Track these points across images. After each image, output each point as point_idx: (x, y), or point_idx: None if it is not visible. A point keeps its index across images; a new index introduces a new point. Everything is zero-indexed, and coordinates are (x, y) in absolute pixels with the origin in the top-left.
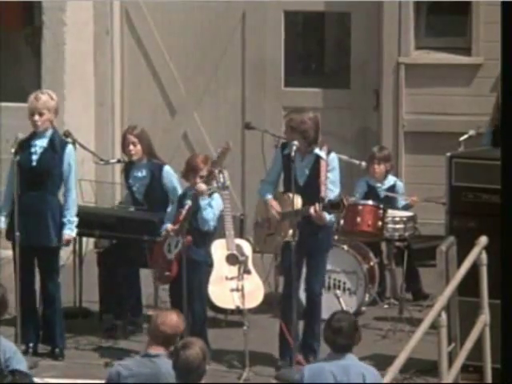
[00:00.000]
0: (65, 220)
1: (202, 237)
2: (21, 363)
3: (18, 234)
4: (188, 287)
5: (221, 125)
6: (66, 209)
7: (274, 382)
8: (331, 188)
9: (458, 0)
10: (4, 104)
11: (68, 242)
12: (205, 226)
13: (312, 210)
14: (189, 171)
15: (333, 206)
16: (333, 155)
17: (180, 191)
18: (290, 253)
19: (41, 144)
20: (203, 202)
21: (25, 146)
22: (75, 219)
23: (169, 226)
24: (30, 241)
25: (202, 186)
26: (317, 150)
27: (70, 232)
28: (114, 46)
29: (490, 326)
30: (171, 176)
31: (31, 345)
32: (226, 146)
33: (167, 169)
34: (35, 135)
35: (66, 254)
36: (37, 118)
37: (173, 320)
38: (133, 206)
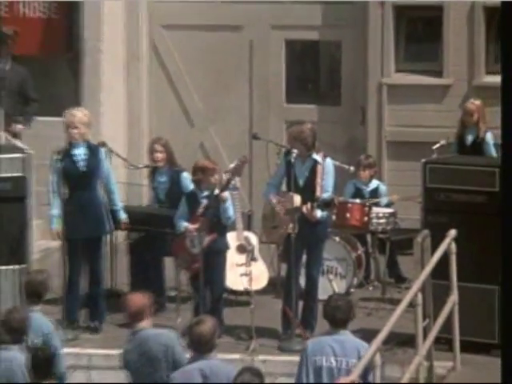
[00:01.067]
0: (117, 208)
1: (223, 229)
2: (57, 339)
3: (65, 227)
4: (213, 273)
5: (232, 136)
6: (115, 199)
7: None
8: (326, 189)
9: (430, 30)
10: (45, 118)
11: (125, 225)
12: (228, 222)
13: (304, 209)
14: (199, 174)
15: (326, 204)
16: (328, 160)
17: None
18: (291, 243)
19: (80, 152)
20: (226, 204)
21: (66, 154)
22: (121, 208)
23: (189, 225)
24: (81, 233)
25: (225, 194)
26: (315, 155)
27: (125, 216)
28: (142, 70)
29: (458, 305)
30: (188, 181)
31: (75, 320)
32: (244, 158)
33: (185, 175)
34: (72, 145)
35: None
36: (73, 131)
37: (138, 299)
38: (157, 204)
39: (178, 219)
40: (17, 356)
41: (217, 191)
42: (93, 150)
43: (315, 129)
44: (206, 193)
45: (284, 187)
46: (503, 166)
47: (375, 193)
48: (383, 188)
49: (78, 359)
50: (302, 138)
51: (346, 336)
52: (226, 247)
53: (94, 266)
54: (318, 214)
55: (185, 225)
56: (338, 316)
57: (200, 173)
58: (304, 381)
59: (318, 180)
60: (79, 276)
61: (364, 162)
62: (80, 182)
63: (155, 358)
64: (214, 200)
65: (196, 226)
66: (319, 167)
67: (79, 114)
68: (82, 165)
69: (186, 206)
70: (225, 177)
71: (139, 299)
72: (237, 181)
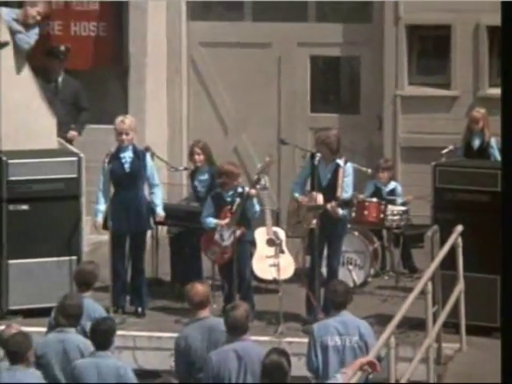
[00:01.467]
0: (157, 204)
1: (249, 223)
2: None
3: (111, 223)
4: (241, 262)
5: (262, 141)
6: (156, 197)
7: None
8: (346, 190)
9: (439, 47)
10: (95, 126)
11: (161, 220)
12: (255, 216)
13: (329, 207)
14: (223, 177)
15: (346, 203)
16: (348, 164)
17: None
18: (314, 237)
19: (127, 155)
20: (253, 201)
21: (114, 157)
22: (162, 204)
23: (219, 221)
24: (126, 228)
25: (253, 191)
26: (338, 160)
27: (162, 212)
28: (182, 82)
29: (464, 293)
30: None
31: (121, 306)
32: (271, 159)
33: None
34: (120, 149)
35: (147, 238)
36: (124, 137)
37: (200, 289)
38: (196, 201)
39: (205, 217)
40: (73, 338)
41: (247, 189)
42: (138, 154)
43: (339, 135)
44: (230, 192)
45: (308, 187)
46: (503, 169)
47: (393, 193)
48: (400, 189)
49: (125, 341)
50: (328, 143)
51: (347, 316)
52: (253, 239)
53: (136, 258)
54: (340, 211)
55: (214, 221)
56: (337, 299)
57: (224, 176)
58: (313, 360)
59: (339, 181)
60: (124, 266)
61: (383, 165)
62: (125, 182)
63: (219, 344)
64: (243, 197)
65: (226, 221)
66: (341, 170)
67: (128, 121)
68: (127, 167)
69: (212, 205)
70: (255, 176)
71: (202, 289)
72: (266, 181)
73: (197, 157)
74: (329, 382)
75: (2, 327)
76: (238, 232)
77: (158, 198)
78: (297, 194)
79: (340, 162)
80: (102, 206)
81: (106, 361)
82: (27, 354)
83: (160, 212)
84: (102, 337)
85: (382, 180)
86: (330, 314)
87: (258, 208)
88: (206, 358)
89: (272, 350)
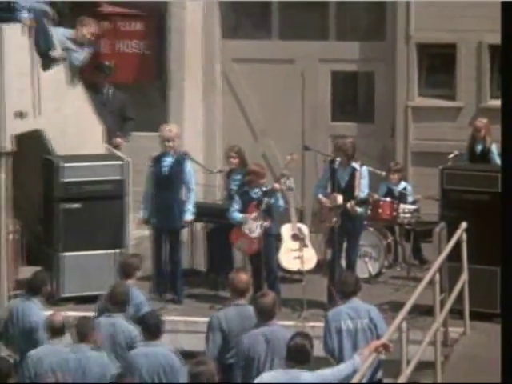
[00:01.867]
0: (187, 209)
1: (274, 218)
2: (147, 308)
3: (152, 220)
4: (268, 255)
5: (288, 147)
6: (188, 202)
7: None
8: (362, 190)
9: (446, 63)
10: (139, 133)
11: (187, 223)
12: (279, 210)
13: (348, 206)
14: (251, 176)
15: (362, 202)
16: (364, 167)
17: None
18: (335, 233)
19: (169, 160)
20: (277, 195)
21: (157, 161)
22: (193, 209)
23: (246, 215)
24: (164, 224)
25: (277, 185)
26: (354, 164)
27: (190, 217)
28: (216, 94)
29: (468, 282)
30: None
31: (161, 294)
32: (292, 156)
33: None
34: (163, 154)
35: (185, 233)
36: (170, 143)
37: (244, 278)
38: (229, 199)
39: (232, 212)
40: (120, 322)
41: (274, 185)
42: (178, 159)
43: (355, 142)
44: (256, 190)
45: (329, 189)
46: (503, 172)
47: (403, 192)
48: (409, 188)
49: (165, 325)
50: (344, 149)
51: (357, 302)
52: (278, 233)
53: (173, 251)
54: (357, 210)
55: (240, 215)
56: (346, 289)
57: (252, 175)
58: (329, 343)
59: (356, 183)
60: (164, 258)
61: (394, 168)
62: (165, 184)
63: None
64: (268, 193)
65: (253, 215)
66: (357, 173)
67: (175, 130)
68: (167, 170)
69: (239, 201)
70: (281, 173)
71: (246, 278)
72: (292, 182)
73: (232, 160)
74: (347, 362)
75: (51, 312)
76: (266, 223)
77: (190, 204)
78: (320, 196)
79: (356, 165)
80: (146, 205)
81: (157, 349)
82: (91, 334)
83: (188, 217)
84: (154, 328)
85: (393, 181)
86: (342, 301)
87: (281, 202)
88: (238, 340)
89: (296, 333)
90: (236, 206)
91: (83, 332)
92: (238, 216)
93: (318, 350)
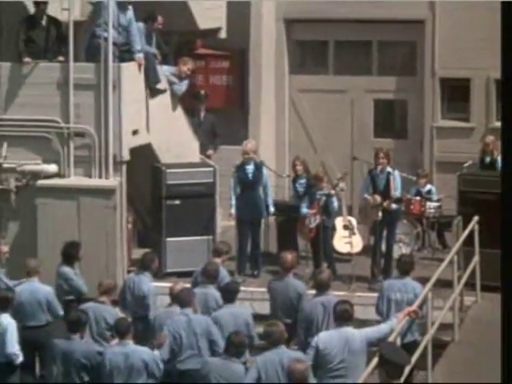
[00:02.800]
0: (269, 204)
1: (329, 214)
2: (227, 278)
3: (237, 212)
4: (325, 241)
5: (340, 158)
6: (269, 199)
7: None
8: (396, 191)
9: (462, 94)
10: (225, 147)
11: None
12: (334, 210)
13: (386, 204)
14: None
15: (397, 200)
16: (396, 172)
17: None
18: (376, 224)
19: (250, 167)
20: (333, 198)
21: (240, 168)
22: (272, 205)
23: (309, 211)
24: (247, 217)
25: (332, 191)
26: (389, 169)
27: (271, 211)
28: (285, 117)
29: (479, 262)
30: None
31: (243, 270)
32: (346, 172)
33: None
34: (244, 163)
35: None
36: (249, 155)
37: (290, 257)
38: (296, 198)
39: (302, 208)
40: (211, 291)
41: (330, 190)
42: (257, 166)
43: (390, 153)
44: (320, 191)
45: (371, 190)
46: (502, 177)
47: (429, 192)
48: (434, 190)
49: (245, 294)
50: (381, 157)
51: (408, 280)
52: (333, 225)
53: (254, 237)
54: (393, 206)
55: (306, 210)
56: (404, 267)
57: (316, 180)
58: (381, 307)
59: (392, 185)
60: (246, 242)
61: (421, 174)
62: (248, 186)
63: (292, 298)
64: (327, 194)
65: (314, 211)
66: (391, 177)
67: (252, 144)
68: (250, 175)
69: (307, 200)
70: (334, 182)
71: (292, 257)
72: (344, 186)
73: (298, 167)
74: (386, 323)
75: (171, 284)
76: (322, 218)
77: (270, 199)
78: (365, 195)
79: (391, 170)
80: (234, 202)
81: (237, 309)
82: (192, 301)
83: (272, 209)
84: (231, 294)
85: (421, 184)
86: (397, 276)
87: (336, 204)
88: (284, 304)
89: (339, 300)
90: (305, 203)
91: (186, 299)
92: (304, 211)
93: (363, 313)
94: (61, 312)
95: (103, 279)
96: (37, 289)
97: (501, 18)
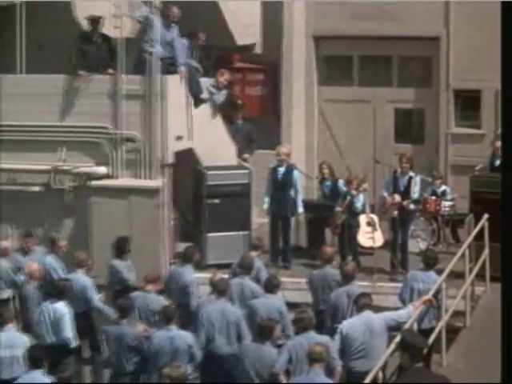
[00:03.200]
0: (298, 204)
1: (353, 213)
2: (264, 272)
3: (270, 209)
4: (350, 237)
5: (364, 161)
6: (298, 199)
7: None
8: (415, 192)
9: (474, 104)
10: (261, 151)
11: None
12: (358, 209)
13: (404, 203)
14: (346, 183)
15: (415, 201)
16: (418, 177)
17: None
18: (396, 221)
19: (282, 169)
20: (356, 198)
21: (273, 170)
22: (302, 204)
23: (338, 209)
24: (279, 214)
25: (354, 192)
26: (411, 173)
27: (301, 209)
28: (314, 124)
29: (488, 255)
30: (343, 186)
31: (275, 262)
32: (366, 175)
33: (341, 182)
34: (278, 165)
35: (292, 220)
36: (282, 158)
37: (329, 250)
38: (323, 198)
39: (335, 207)
40: (247, 282)
41: (353, 191)
42: (287, 168)
43: (412, 157)
44: (354, 192)
45: (391, 190)
46: (503, 178)
47: (444, 193)
48: (448, 190)
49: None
50: (405, 161)
51: (431, 273)
52: (357, 223)
53: (285, 232)
54: (411, 206)
55: (336, 208)
56: (429, 262)
57: (346, 182)
58: (403, 295)
59: (412, 187)
60: (278, 238)
61: (437, 176)
62: (279, 186)
63: (332, 286)
64: (352, 195)
65: (341, 209)
66: (412, 180)
67: (285, 149)
68: (280, 177)
69: (340, 200)
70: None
71: (331, 250)
72: (367, 186)
73: (324, 171)
74: (405, 309)
75: (211, 275)
76: (346, 215)
77: (299, 199)
78: (385, 195)
79: (412, 174)
80: (267, 200)
81: (272, 300)
82: (228, 291)
83: (300, 210)
84: (272, 287)
85: (436, 185)
86: (422, 269)
87: (359, 204)
88: (326, 292)
89: (360, 293)
90: (337, 203)
91: (223, 289)
92: (336, 209)
93: (385, 301)
94: (95, 303)
95: (149, 271)
96: (77, 280)
97: (501, 18)
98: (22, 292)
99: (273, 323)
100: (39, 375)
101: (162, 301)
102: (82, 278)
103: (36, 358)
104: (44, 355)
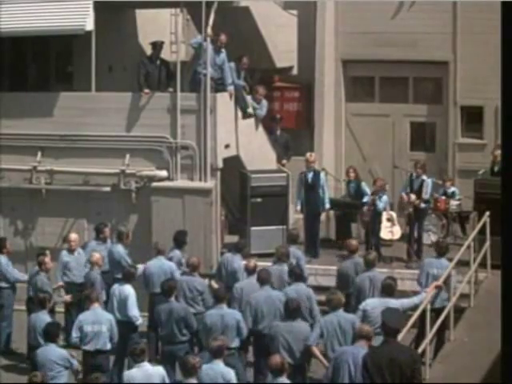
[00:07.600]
0: (326, 202)
1: (378, 210)
2: (303, 260)
3: (303, 208)
4: (374, 231)
5: (384, 166)
6: (325, 198)
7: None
8: (426, 193)
9: (477, 118)
10: (295, 157)
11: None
12: (380, 209)
13: (417, 202)
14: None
15: (425, 201)
16: (429, 181)
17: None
18: (411, 217)
19: (311, 174)
20: (377, 200)
21: (304, 174)
22: (329, 202)
23: (365, 208)
24: (310, 211)
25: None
26: (424, 177)
27: (327, 206)
28: (342, 134)
29: (490, 246)
30: (365, 187)
31: (309, 252)
32: (384, 181)
33: (363, 184)
34: (307, 170)
35: (323, 216)
36: (311, 164)
37: (354, 242)
38: (349, 197)
39: (364, 206)
40: (286, 269)
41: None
42: (316, 172)
43: (425, 164)
44: (380, 194)
45: (408, 190)
46: (502, 181)
47: (453, 193)
48: (456, 191)
49: (309, 271)
50: (419, 167)
51: (443, 260)
52: (379, 218)
53: (315, 226)
54: (423, 204)
55: (365, 207)
56: (441, 251)
57: (374, 185)
58: (421, 279)
59: (424, 188)
60: (310, 230)
61: (446, 179)
62: (309, 188)
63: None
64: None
65: (368, 207)
66: (425, 182)
67: (313, 156)
68: (310, 179)
69: (365, 200)
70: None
71: (356, 242)
72: (386, 188)
73: (350, 174)
74: (418, 295)
75: (246, 262)
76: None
77: (326, 198)
78: (402, 193)
79: (425, 177)
80: (300, 200)
81: (300, 287)
82: (269, 279)
83: (327, 205)
84: (297, 276)
85: (446, 187)
86: (435, 256)
87: (381, 205)
88: (352, 280)
89: (387, 277)
90: (361, 201)
91: (265, 278)
92: (364, 208)
93: (401, 285)
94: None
95: (202, 259)
96: (163, 264)
97: (501, 18)
98: (88, 277)
99: (299, 303)
100: (53, 347)
101: (204, 283)
102: (166, 263)
103: (52, 333)
104: (58, 331)
